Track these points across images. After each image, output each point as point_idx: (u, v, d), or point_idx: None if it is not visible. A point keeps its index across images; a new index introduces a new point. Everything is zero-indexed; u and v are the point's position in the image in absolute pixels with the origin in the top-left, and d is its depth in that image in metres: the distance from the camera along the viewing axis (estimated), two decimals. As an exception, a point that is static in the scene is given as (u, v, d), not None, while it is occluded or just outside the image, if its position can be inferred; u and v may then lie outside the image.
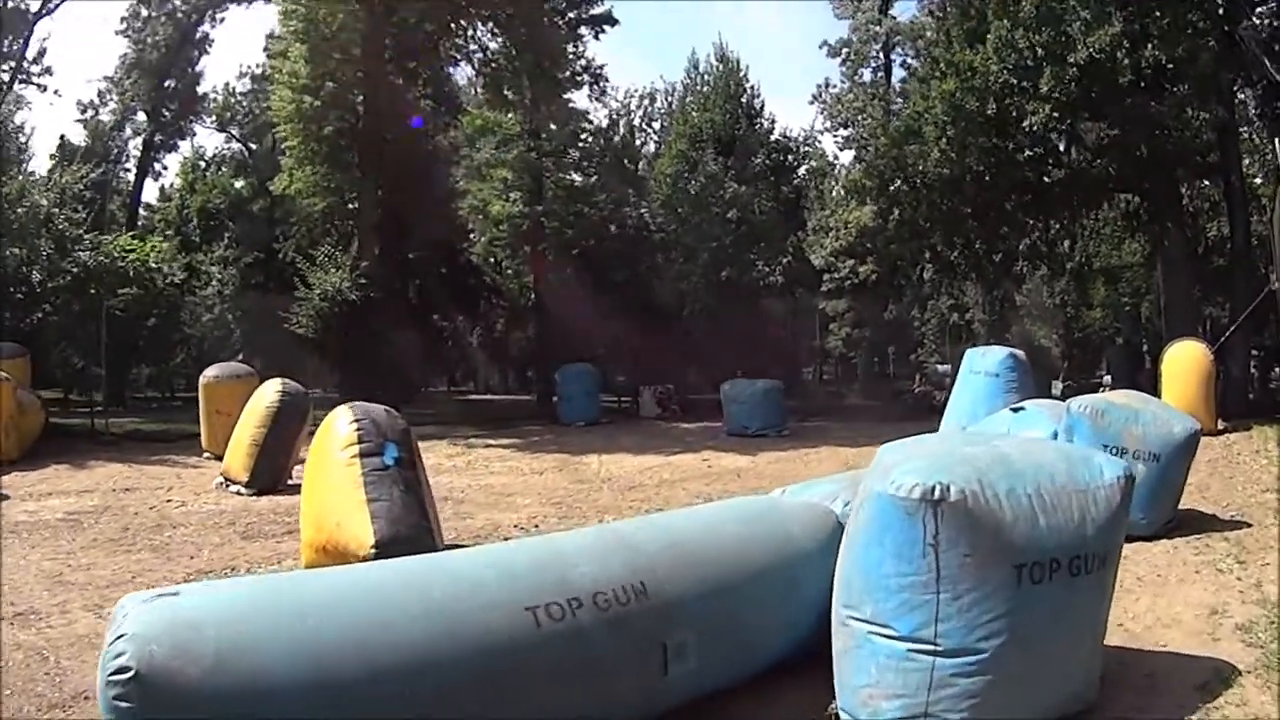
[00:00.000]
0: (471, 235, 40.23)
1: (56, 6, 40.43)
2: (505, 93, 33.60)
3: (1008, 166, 26.19)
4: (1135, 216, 29.77)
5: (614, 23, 38.84)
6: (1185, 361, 20.94)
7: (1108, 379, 34.32)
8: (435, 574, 4.72)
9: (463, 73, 36.37)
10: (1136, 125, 23.94)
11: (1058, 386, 39.14)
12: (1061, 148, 26.77)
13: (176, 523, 12.01)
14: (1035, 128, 24.28)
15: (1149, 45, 23.48)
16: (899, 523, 4.64)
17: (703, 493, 14.43)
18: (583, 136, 39.15)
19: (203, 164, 48.32)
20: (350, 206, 31.99)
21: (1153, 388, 21.12)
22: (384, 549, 7.35)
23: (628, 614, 4.75)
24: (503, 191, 37.43)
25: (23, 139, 39.21)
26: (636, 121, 50.59)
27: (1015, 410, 11.68)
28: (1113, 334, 38.51)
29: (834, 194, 41.17)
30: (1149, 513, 9.66)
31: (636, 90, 52.56)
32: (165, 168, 48.14)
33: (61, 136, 43.42)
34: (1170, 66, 23.71)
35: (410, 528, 7.91)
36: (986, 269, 30.99)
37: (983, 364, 18.05)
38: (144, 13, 42.81)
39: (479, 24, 32.40)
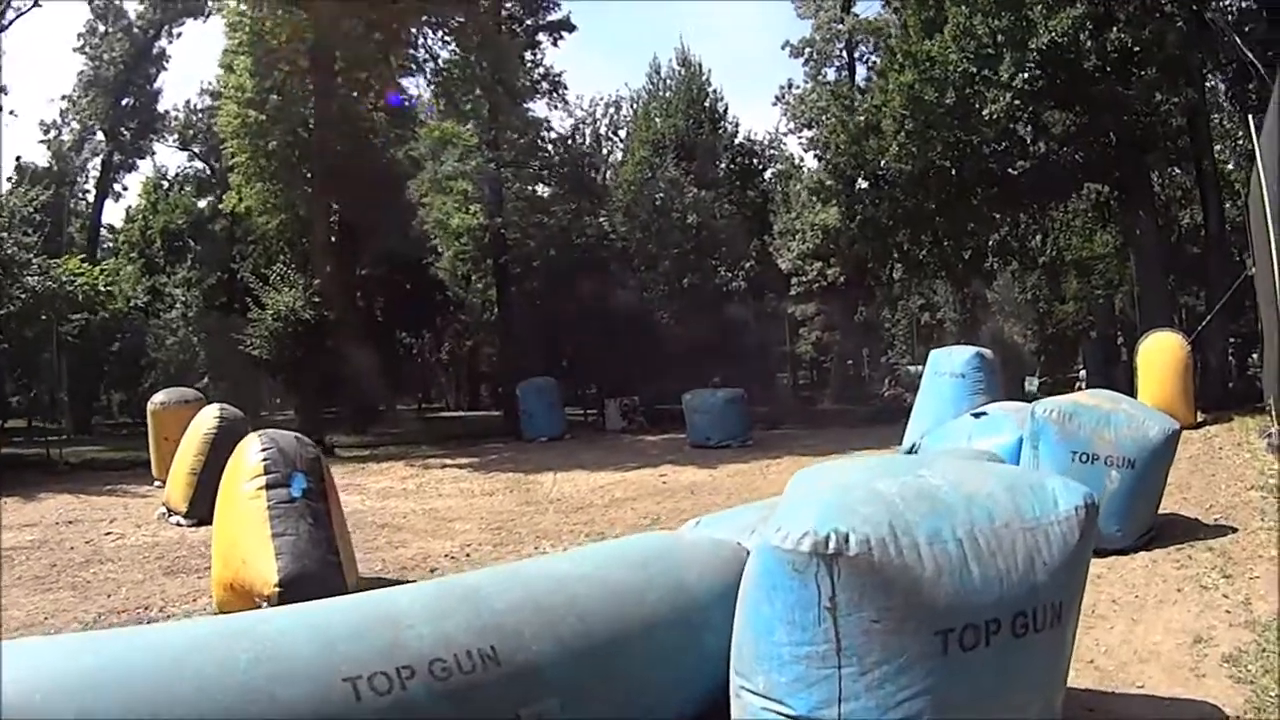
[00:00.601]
0: (435, 250, 39.36)
1: (9, 25, 39.73)
2: (458, 103, 32.57)
3: (971, 159, 25.28)
4: (1106, 206, 28.93)
5: (571, 29, 38.42)
6: (1161, 353, 19.95)
7: (1084, 374, 33.44)
8: (241, 638, 3.71)
9: (419, 83, 35.24)
10: (1103, 111, 23.08)
11: (1033, 383, 38.40)
12: (1028, 139, 25.75)
13: (106, 558, 11.54)
14: (997, 117, 23.34)
15: (1114, 28, 22.61)
16: (787, 582, 3.62)
17: (652, 512, 13.71)
18: (542, 146, 38.12)
19: (165, 183, 47.32)
20: (302, 223, 31.00)
21: (1129, 381, 20.55)
22: (288, 587, 7.09)
23: (473, 684, 3.80)
24: (463, 204, 36.58)
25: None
26: (603, 130, 49.87)
27: (977, 415, 10.72)
28: (1087, 328, 37.59)
29: (799, 196, 40.14)
30: (1125, 524, 8.72)
31: (602, 98, 51.65)
32: (125, 188, 46.82)
33: (18, 158, 42.31)
34: (1137, 50, 22.74)
35: (317, 563, 7.54)
36: (955, 266, 30.07)
37: (948, 365, 17.05)
38: (100, 28, 41.91)
39: (429, 32, 31.39)
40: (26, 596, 9.56)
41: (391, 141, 35.11)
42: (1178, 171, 30.03)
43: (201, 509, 13.28)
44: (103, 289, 28.63)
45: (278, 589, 7.15)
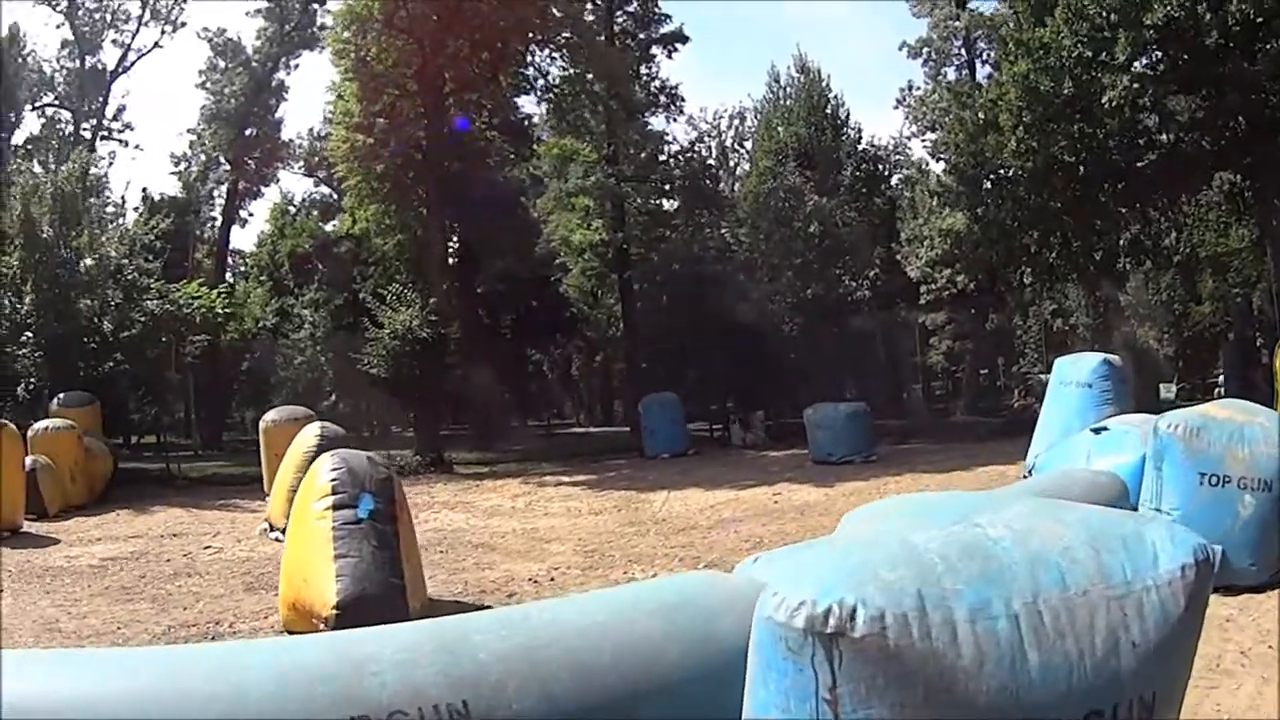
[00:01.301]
0: (563, 266, 39.25)
1: (133, 64, 41.44)
2: (571, 119, 32.37)
3: (1095, 152, 23.78)
4: (1239, 197, 26.98)
5: (685, 40, 38.08)
6: (1301, 355, 18.36)
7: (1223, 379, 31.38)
8: (190, 683, 3.12)
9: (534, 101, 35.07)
10: (1229, 91, 21.42)
11: (1170, 390, 36.23)
12: (1153, 127, 24.15)
13: (196, 571, 11.83)
14: (1118, 103, 21.86)
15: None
16: (781, 662, 2.73)
17: (755, 535, 13.11)
18: (662, 159, 37.61)
19: (291, 209, 47.95)
20: (419, 243, 31.01)
21: (1269, 386, 18.93)
22: (346, 610, 7.11)
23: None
24: (585, 220, 36.32)
25: (108, 194, 39.90)
26: (728, 142, 49.25)
27: (1097, 430, 9.67)
28: (1225, 329, 35.11)
29: (926, 202, 38.74)
30: (1260, 556, 7.65)
31: (726, 110, 51.00)
32: (251, 214, 48.48)
33: (144, 189, 43.45)
34: (1260, 20, 21.09)
35: (378, 586, 7.52)
36: (1086, 268, 28.45)
37: (1073, 373, 15.85)
38: (220, 64, 43.16)
39: (538, 50, 31.09)
40: (108, 606, 9.79)
41: (507, 160, 34.89)
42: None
43: None
44: (220, 311, 28.92)
45: (335, 611, 7.18)
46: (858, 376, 33.12)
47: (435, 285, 28.86)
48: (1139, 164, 24.23)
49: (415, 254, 31.60)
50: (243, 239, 49.18)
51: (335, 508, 7.88)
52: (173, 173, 45.62)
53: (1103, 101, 22.26)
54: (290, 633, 7.71)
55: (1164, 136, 24.08)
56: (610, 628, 3.82)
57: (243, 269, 48.75)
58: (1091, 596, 2.85)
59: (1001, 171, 25.96)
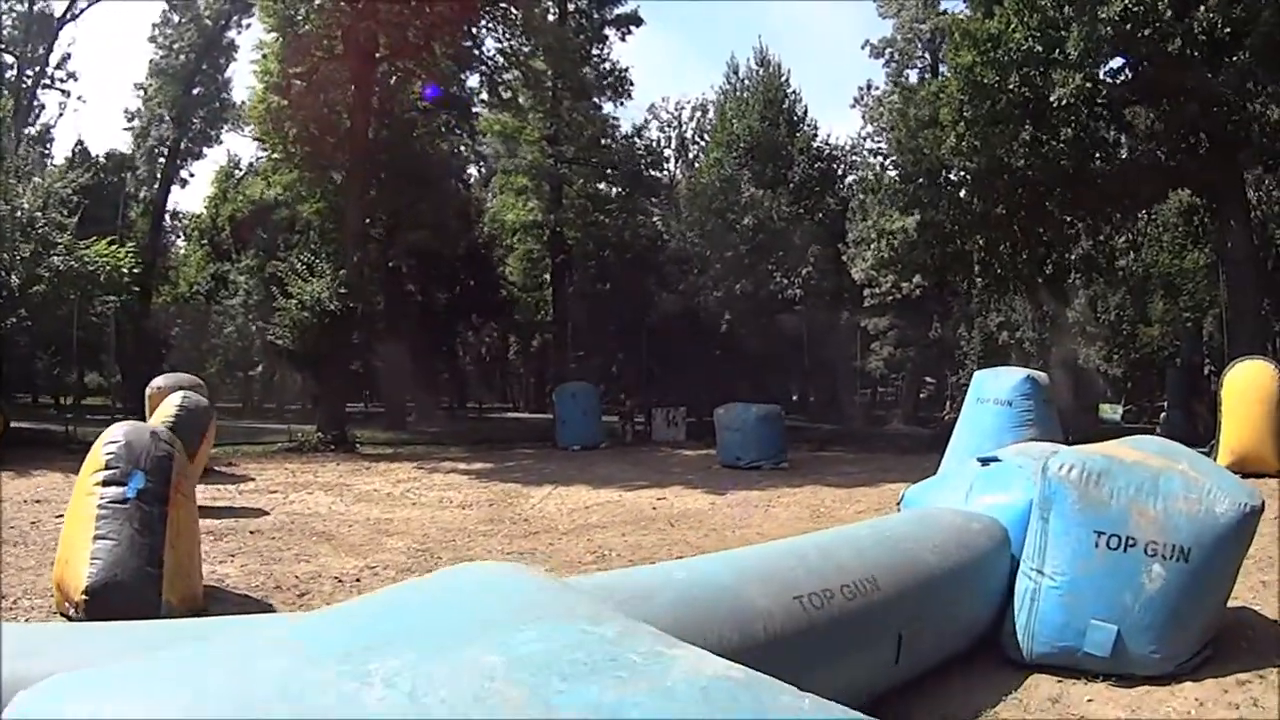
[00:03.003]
0: (504, 247, 37.34)
1: (82, 12, 39.49)
2: (507, 95, 30.21)
3: (1045, 158, 21.61)
4: (1198, 217, 25.02)
5: (639, 22, 36.40)
6: (1250, 385, 16.28)
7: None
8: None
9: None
10: (1190, 102, 19.43)
11: (1116, 411, 34.37)
12: (1108, 136, 22.14)
13: (28, 541, 10.60)
14: (1066, 101, 19.78)
15: (1200, 6, 19.04)
16: None
17: (607, 545, 11.46)
18: (605, 142, 35.58)
19: (238, 172, 45.82)
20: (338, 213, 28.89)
21: (1212, 414, 16.94)
22: (95, 597, 6.52)
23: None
24: (521, 199, 34.38)
25: (47, 145, 38.36)
26: (689, 133, 47.33)
27: (985, 461, 7.63)
28: (1174, 353, 33.00)
29: (874, 203, 36.75)
30: (1165, 642, 5.53)
31: (689, 101, 48.82)
32: (193, 175, 46.23)
33: (78, 142, 42.38)
34: (1228, 31, 19.06)
35: (130, 574, 6.76)
36: (1032, 280, 26.47)
37: (992, 389, 13.86)
38: (174, 19, 41.13)
39: (485, 23, 28.75)
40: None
41: (441, 134, 32.66)
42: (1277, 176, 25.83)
43: None
44: (126, 270, 26.79)
45: (84, 598, 6.53)
46: (786, 377, 31.12)
47: (348, 257, 26.84)
48: (1091, 173, 22.15)
49: (329, 222, 29.66)
50: (190, 200, 46.73)
51: (105, 484, 7.12)
52: (126, 128, 44.12)
53: (1052, 101, 20.18)
54: (62, 616, 6.94)
55: (1119, 145, 22.09)
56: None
57: (175, 230, 47.60)
58: None
59: (944, 172, 23.84)
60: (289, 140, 26.90)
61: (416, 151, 29.81)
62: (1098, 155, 22.54)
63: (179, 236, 48.57)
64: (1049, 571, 5.83)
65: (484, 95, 31.78)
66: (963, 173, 23.33)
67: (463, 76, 30.86)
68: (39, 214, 25.92)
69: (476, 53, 28.74)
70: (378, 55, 26.82)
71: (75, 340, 27.15)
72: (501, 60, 29.18)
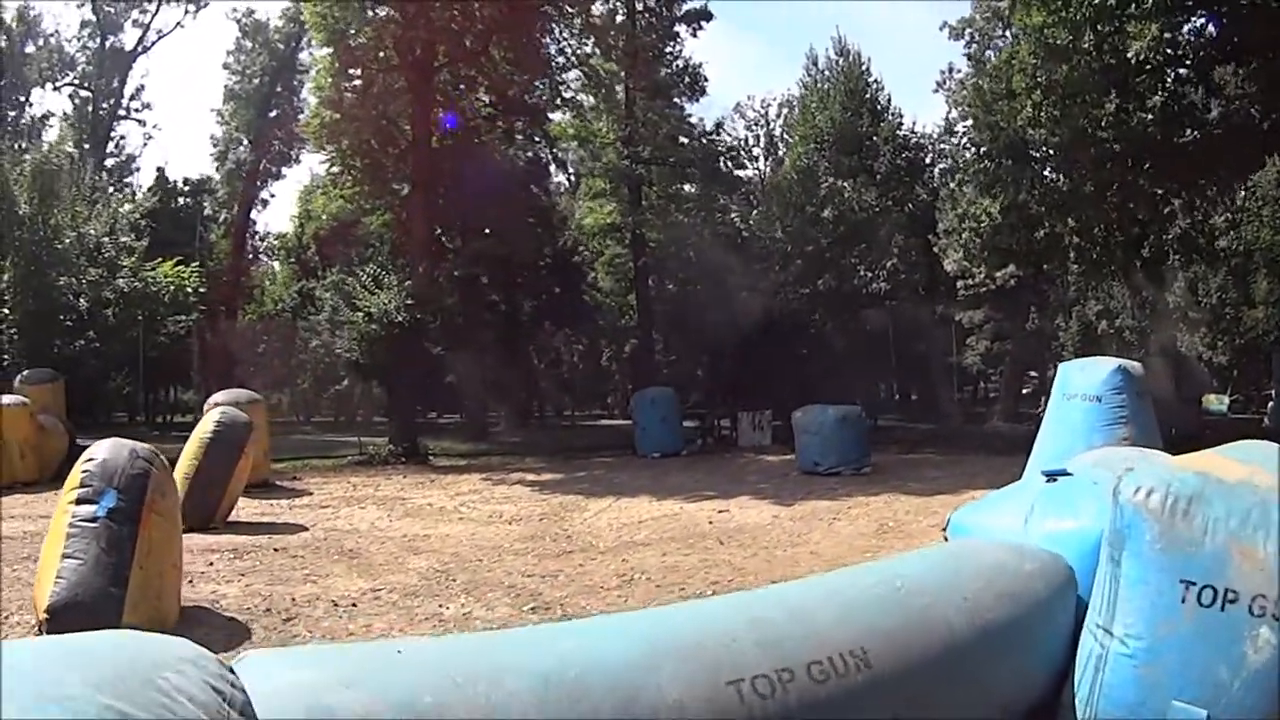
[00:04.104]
0: (590, 251, 36.38)
1: (154, 44, 39.95)
2: (572, 98, 29.24)
3: (1129, 127, 19.58)
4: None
5: (709, 17, 34.83)
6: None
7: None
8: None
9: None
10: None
11: (1222, 401, 31.79)
12: (1196, 101, 20.09)
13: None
14: (1144, 56, 17.78)
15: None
16: None
17: (641, 567, 10.29)
18: (684, 140, 34.32)
19: (319, 190, 45.44)
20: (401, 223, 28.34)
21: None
22: (55, 616, 6.53)
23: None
24: (598, 202, 33.44)
25: (131, 174, 38.96)
26: (777, 131, 45.87)
27: (1050, 476, 6.07)
28: (1278, 336, 30.17)
29: (960, 187, 34.83)
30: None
31: (774, 99, 47.41)
32: (274, 195, 46.56)
33: (159, 169, 42.89)
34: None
35: (92, 595, 6.72)
36: (1127, 263, 24.40)
37: (1080, 383, 12.18)
38: (247, 45, 41.43)
39: (551, 25, 27.76)
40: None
41: (508, 139, 31.65)
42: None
43: (192, 516, 11.88)
44: (191, 289, 26.52)
45: (45, 616, 6.63)
46: (877, 376, 29.41)
47: (415, 267, 26.12)
48: (1181, 143, 20.10)
49: (398, 234, 29.02)
50: (278, 220, 47.16)
51: (78, 502, 7.12)
52: (212, 154, 44.57)
53: (1130, 58, 18.21)
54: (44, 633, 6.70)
55: (1209, 114, 20.02)
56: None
57: (270, 250, 47.86)
58: None
59: (1025, 148, 21.97)
60: (346, 154, 26.26)
61: (483, 159, 28.72)
62: (1187, 122, 20.54)
63: (270, 256, 48.67)
64: (1120, 632, 4.26)
65: (545, 97, 30.65)
66: (1045, 148, 21.39)
67: (527, 79, 29.76)
68: (106, 239, 26.61)
69: (539, 55, 27.55)
70: (435, 64, 25.95)
71: (142, 359, 27.09)
72: (562, 61, 28.16)
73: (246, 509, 14.36)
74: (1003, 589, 4.52)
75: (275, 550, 11.06)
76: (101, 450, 7.47)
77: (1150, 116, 19.62)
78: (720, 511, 14.49)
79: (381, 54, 25.18)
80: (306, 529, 13.03)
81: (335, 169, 28.10)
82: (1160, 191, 22.44)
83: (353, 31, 24.90)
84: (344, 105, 25.13)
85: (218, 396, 18.65)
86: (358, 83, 25.53)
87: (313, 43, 28.22)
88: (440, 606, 8.45)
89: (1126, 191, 21.54)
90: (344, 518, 14.44)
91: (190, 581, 8.82)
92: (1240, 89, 19.82)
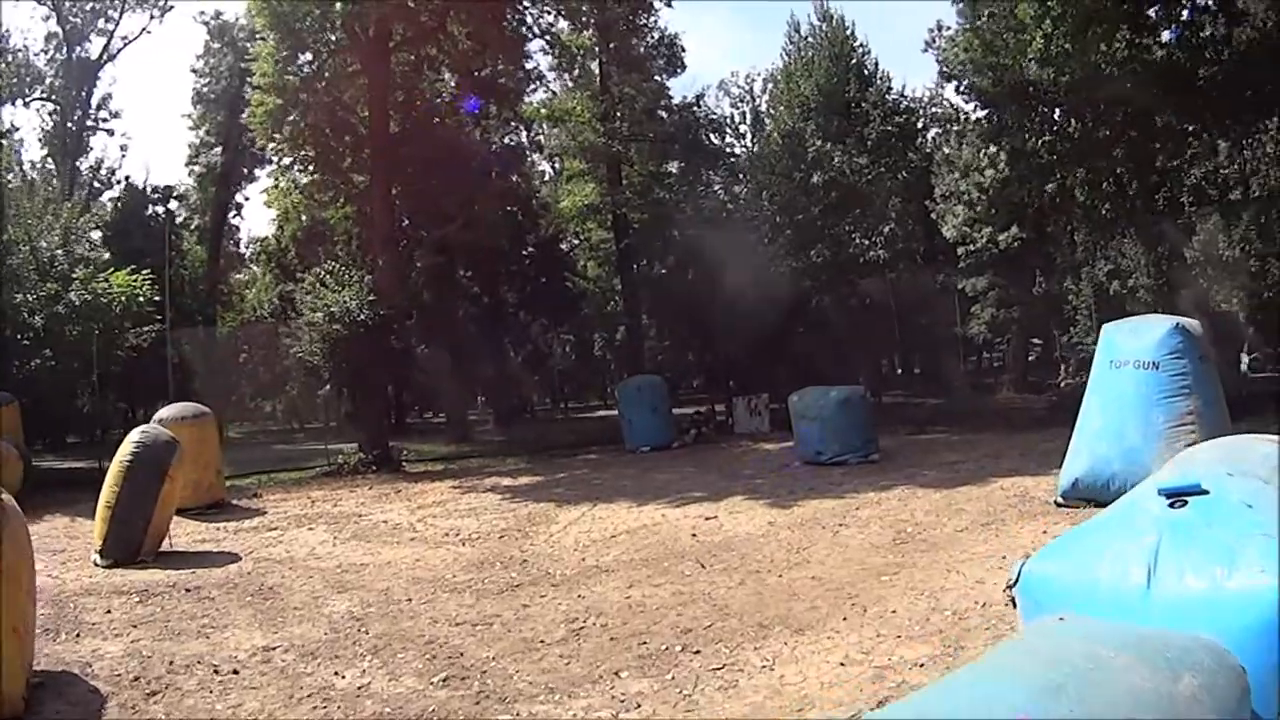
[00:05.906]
0: (563, 239, 34.39)
1: (119, 52, 39.18)
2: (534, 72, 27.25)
3: (1145, 64, 17.18)
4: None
5: (682, -14, 32.11)
6: None
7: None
8: None
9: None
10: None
11: (1244, 361, 29.36)
12: (1217, 32, 17.77)
13: None
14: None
15: None
16: None
17: (594, 605, 8.32)
18: (662, 114, 32.19)
19: (297, 192, 43.58)
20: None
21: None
22: None
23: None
24: (576, 183, 31.42)
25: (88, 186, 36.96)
26: (762, 106, 43.57)
27: (1173, 498, 3.69)
28: None
29: (958, 153, 32.36)
30: None
31: (759, 73, 45.10)
32: (247, 198, 44.56)
33: (126, 177, 40.54)
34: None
35: None
36: (1144, 215, 22.00)
37: (1132, 347, 10.02)
38: (215, 47, 39.79)
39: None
40: None
41: (478, 123, 29.34)
42: None
43: (115, 549, 11.24)
44: (143, 299, 24.53)
45: None
46: (879, 350, 27.07)
47: (376, 261, 24.03)
48: (1201, 74, 17.70)
49: (360, 227, 27.10)
50: (261, 224, 45.50)
51: None
52: (188, 163, 42.76)
53: None
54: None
55: (1233, 39, 17.68)
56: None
57: (250, 255, 46.27)
58: None
59: (1031, 89, 19.60)
60: (295, 142, 23.95)
61: (452, 144, 26.30)
62: (1208, 54, 18.20)
63: (252, 260, 46.68)
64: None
65: (518, 76, 28.41)
66: (1054, 88, 19.00)
67: (496, 58, 27.33)
68: (59, 252, 24.75)
69: (500, 29, 25.14)
70: (390, 45, 23.64)
71: (97, 375, 25.00)
72: (526, 34, 25.87)
73: (190, 534, 13.23)
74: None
75: (186, 591, 9.63)
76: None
77: (1166, 50, 17.26)
78: (707, 519, 12.26)
79: (332, 36, 23.00)
80: (238, 559, 11.57)
81: (286, 160, 26.30)
82: (1184, 129, 19.95)
83: (301, 14, 22.51)
84: (288, 91, 22.79)
85: (163, 412, 17.07)
86: (307, 69, 23.34)
87: (256, 31, 25.83)
88: (335, 675, 6.84)
89: (1146, 135, 19.09)
90: (285, 543, 12.87)
91: (77, 636, 7.86)
92: (1266, 17, 17.48)
